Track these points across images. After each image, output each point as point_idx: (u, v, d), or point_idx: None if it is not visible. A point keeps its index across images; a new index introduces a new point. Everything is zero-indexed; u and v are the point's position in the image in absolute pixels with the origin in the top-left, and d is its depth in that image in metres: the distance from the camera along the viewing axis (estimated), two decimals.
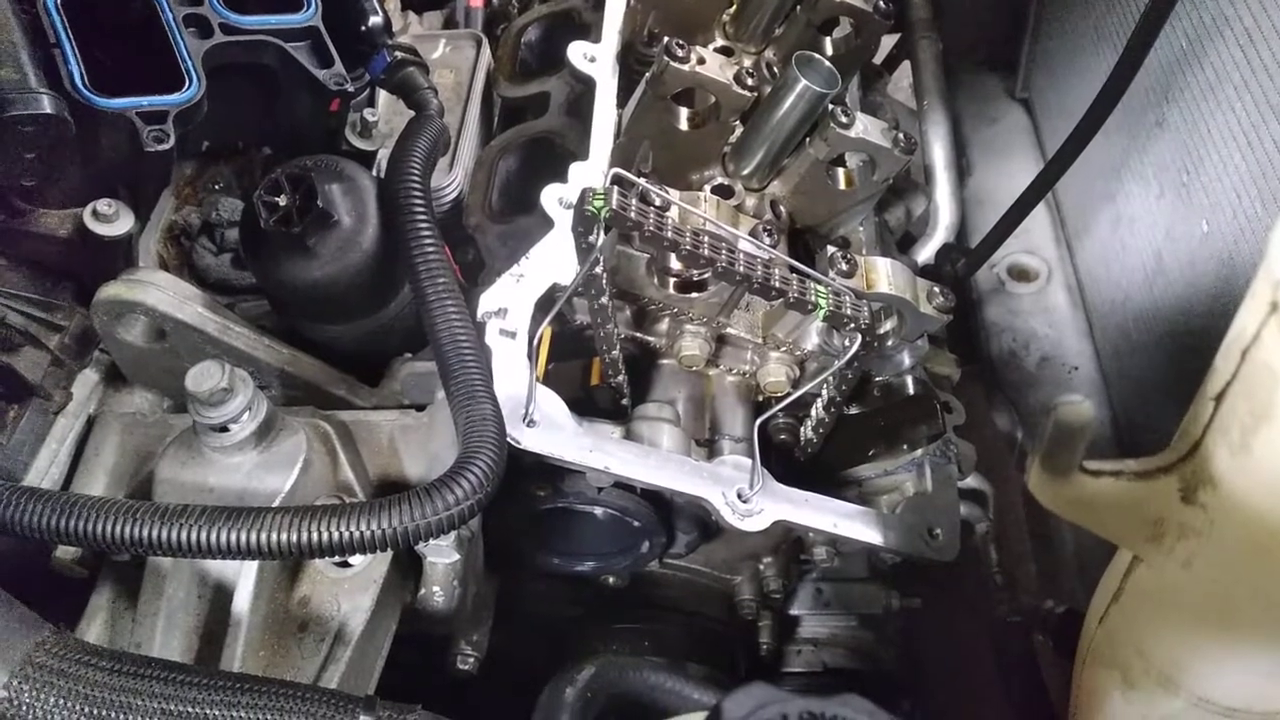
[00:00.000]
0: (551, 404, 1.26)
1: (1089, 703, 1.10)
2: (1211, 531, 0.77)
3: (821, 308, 1.21)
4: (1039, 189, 1.58)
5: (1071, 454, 0.77)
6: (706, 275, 1.31)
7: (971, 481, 1.58)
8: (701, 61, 1.35)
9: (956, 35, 2.12)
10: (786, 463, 1.46)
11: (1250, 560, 0.78)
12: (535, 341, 1.25)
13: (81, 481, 1.29)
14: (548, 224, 1.34)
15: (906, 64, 2.06)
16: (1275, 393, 0.65)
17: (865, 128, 1.38)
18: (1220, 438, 0.72)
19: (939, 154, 1.85)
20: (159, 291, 1.28)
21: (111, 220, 1.27)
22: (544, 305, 1.29)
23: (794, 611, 1.76)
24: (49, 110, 1.13)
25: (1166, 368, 1.59)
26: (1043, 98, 2.09)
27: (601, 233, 1.16)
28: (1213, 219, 1.47)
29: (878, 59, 2.02)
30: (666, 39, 1.34)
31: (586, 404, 1.36)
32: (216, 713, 0.91)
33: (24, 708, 0.88)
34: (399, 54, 1.51)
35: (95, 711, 0.89)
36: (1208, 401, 0.72)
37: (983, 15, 2.22)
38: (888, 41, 2.06)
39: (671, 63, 1.33)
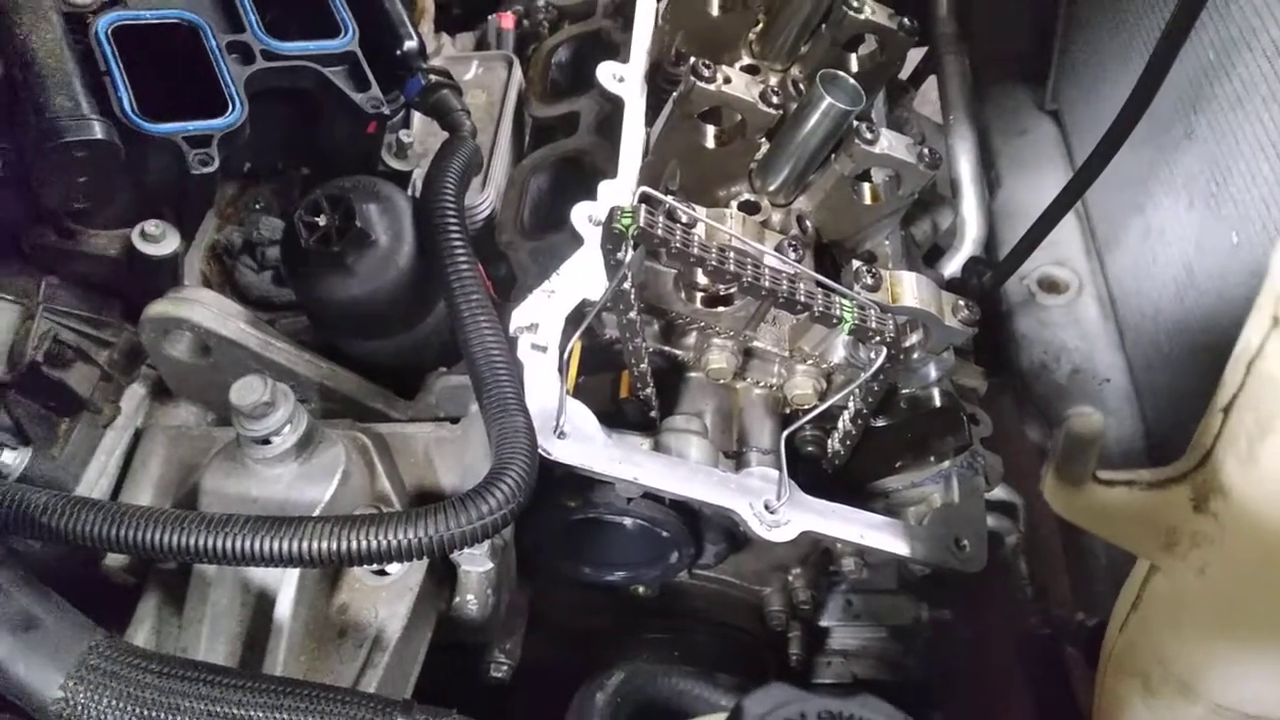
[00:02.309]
0: (582, 416, 1.28)
1: (1112, 711, 1.10)
2: (1224, 539, 0.78)
3: (847, 321, 1.22)
4: (1065, 201, 1.57)
5: (1084, 464, 0.79)
6: (733, 290, 1.33)
7: (1000, 493, 1.58)
8: (728, 80, 1.38)
9: (985, 47, 2.11)
10: (814, 474, 1.47)
11: (1262, 567, 0.78)
12: (566, 355, 1.27)
13: (129, 492, 1.32)
14: (578, 241, 1.37)
15: (934, 77, 2.07)
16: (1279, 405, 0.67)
17: (890, 144, 1.40)
18: (1229, 448, 0.73)
19: (965, 167, 1.85)
20: (204, 308, 1.32)
21: (158, 240, 1.32)
22: (574, 320, 1.31)
23: (824, 623, 1.76)
24: (100, 136, 1.17)
25: (1199, 380, 1.56)
26: (1072, 109, 2.08)
27: (630, 249, 1.18)
28: (1242, 230, 1.46)
29: (904, 73, 2.03)
30: (693, 59, 1.37)
31: (616, 416, 1.38)
32: (261, 714, 0.94)
33: (79, 708, 0.92)
34: (433, 77, 1.55)
35: (146, 713, 0.92)
36: (1217, 413, 0.73)
37: (1011, 26, 2.22)
38: (915, 55, 2.07)
39: (698, 82, 1.35)
